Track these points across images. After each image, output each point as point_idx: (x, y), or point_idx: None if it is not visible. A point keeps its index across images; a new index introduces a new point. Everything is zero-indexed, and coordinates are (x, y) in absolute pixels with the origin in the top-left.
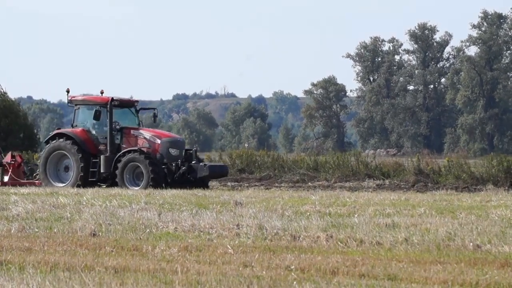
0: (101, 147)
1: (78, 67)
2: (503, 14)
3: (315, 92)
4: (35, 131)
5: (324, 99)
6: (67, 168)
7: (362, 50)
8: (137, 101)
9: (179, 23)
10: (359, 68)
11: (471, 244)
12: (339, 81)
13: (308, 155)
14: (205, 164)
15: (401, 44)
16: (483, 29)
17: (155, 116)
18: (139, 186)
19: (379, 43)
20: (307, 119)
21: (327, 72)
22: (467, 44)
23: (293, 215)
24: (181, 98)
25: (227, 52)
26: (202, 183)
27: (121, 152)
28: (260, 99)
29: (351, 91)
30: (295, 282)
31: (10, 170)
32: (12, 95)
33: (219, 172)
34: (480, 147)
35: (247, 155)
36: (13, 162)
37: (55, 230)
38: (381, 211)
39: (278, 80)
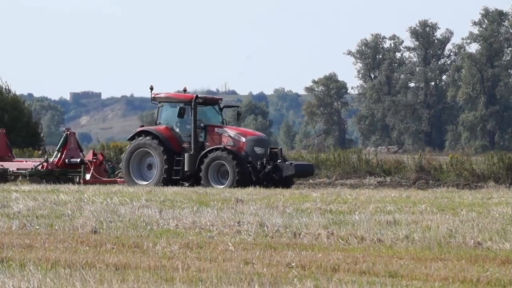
0: (185, 145)
1: (79, 64)
2: (504, 11)
3: (316, 89)
4: (39, 128)
5: (325, 96)
6: (150, 166)
7: (363, 47)
8: (221, 99)
9: (180, 20)
10: (360, 65)
11: (472, 241)
12: (340, 78)
13: (309, 152)
14: (291, 163)
15: (402, 41)
16: (484, 26)
17: (238, 114)
18: (223, 184)
19: (380, 40)
20: (308, 116)
21: (328, 69)
22: (468, 41)
23: (294, 212)
24: None
25: (228, 49)
26: (286, 182)
27: (205, 150)
28: (261, 96)
29: (352, 88)
30: (295, 279)
31: (92, 168)
32: (15, 91)
33: (305, 171)
34: (481, 144)
35: None
36: (94, 160)
37: (56, 227)
38: (382, 208)
39: (279, 77)
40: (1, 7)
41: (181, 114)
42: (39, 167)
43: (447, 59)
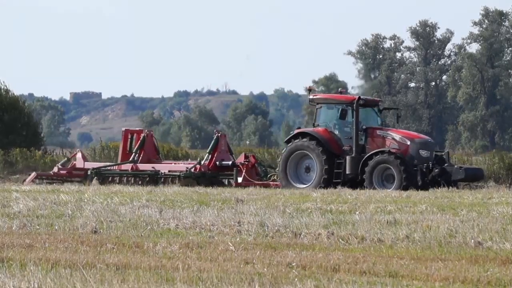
0: (345, 147)
1: (79, 64)
2: (504, 11)
3: (316, 89)
4: (39, 128)
5: None
6: (308, 169)
7: (363, 47)
8: (381, 101)
9: (180, 20)
10: (360, 65)
11: (472, 241)
12: (340, 78)
13: None
14: (460, 167)
15: (403, 41)
16: (484, 26)
17: (398, 116)
18: (388, 188)
19: (380, 40)
20: (308, 116)
21: (328, 69)
22: (468, 41)
23: (294, 212)
24: (183, 95)
25: (228, 49)
26: (452, 186)
27: (369, 153)
28: (262, 96)
29: (352, 88)
30: (296, 279)
31: (244, 171)
32: (14, 92)
33: (475, 176)
34: (482, 144)
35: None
36: (246, 163)
37: (56, 227)
38: (382, 208)
39: (279, 77)
40: (1, 7)
41: (342, 116)
42: (192, 169)
43: (447, 59)
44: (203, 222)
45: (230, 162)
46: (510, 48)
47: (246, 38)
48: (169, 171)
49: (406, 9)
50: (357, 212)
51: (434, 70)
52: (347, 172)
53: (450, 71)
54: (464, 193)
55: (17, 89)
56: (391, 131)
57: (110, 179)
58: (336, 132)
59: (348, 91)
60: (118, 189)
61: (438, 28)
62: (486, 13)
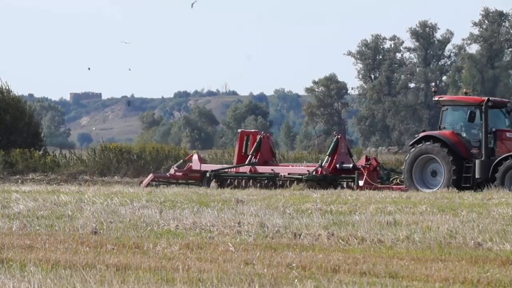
0: (474, 150)
1: (79, 65)
2: (504, 12)
3: (316, 89)
4: (40, 129)
5: (326, 97)
6: (434, 173)
7: (363, 48)
8: (509, 102)
9: (180, 20)
10: (360, 65)
11: (472, 242)
12: (340, 78)
13: (310, 152)
14: None
15: (402, 42)
16: (484, 26)
17: None
18: None
19: (380, 40)
20: (308, 117)
21: (328, 70)
22: (468, 42)
23: (294, 213)
24: (182, 96)
25: (228, 50)
26: None
27: (500, 157)
28: (262, 97)
29: (352, 88)
30: (296, 280)
31: (365, 174)
32: (16, 92)
33: None
34: None
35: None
36: (367, 166)
37: (56, 228)
38: (382, 209)
39: (279, 78)
40: (2, 8)
41: (471, 118)
42: (314, 172)
43: (447, 60)
44: (203, 222)
45: (350, 165)
46: (510, 49)
47: (246, 38)
48: (288, 173)
49: (406, 10)
50: (357, 213)
51: (434, 70)
52: (477, 176)
53: (450, 71)
54: (464, 194)
55: (17, 89)
56: None
57: (228, 181)
58: (464, 134)
59: (349, 92)
60: (118, 190)
61: (438, 28)
62: (486, 14)
